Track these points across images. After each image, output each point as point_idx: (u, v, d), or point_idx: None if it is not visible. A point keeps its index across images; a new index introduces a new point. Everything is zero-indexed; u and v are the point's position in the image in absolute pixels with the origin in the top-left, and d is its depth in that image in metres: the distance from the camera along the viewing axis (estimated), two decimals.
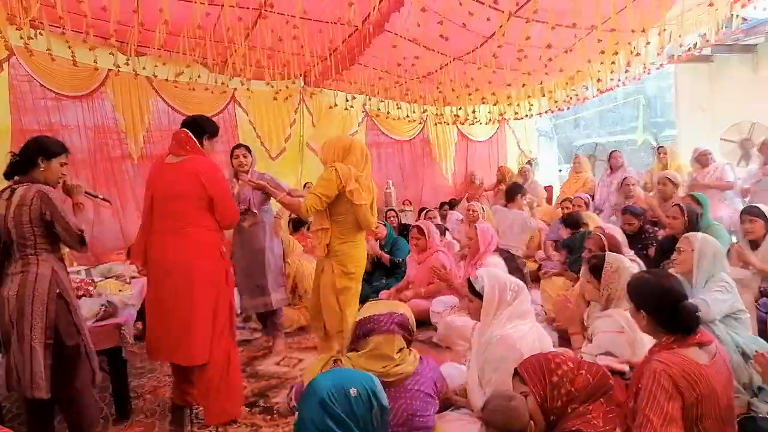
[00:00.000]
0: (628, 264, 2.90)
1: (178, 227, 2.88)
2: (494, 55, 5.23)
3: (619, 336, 2.57)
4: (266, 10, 4.48)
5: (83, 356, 2.54)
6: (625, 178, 6.06)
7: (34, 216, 2.38)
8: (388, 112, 7.96)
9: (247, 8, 4.44)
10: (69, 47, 4.65)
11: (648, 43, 5.24)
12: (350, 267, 3.33)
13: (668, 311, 1.99)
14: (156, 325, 2.98)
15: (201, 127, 3.05)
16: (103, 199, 3.14)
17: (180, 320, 2.85)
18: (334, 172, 3.15)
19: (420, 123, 8.83)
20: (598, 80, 6.51)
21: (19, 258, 2.43)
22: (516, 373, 1.99)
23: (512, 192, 5.07)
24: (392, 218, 5.94)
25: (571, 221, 4.90)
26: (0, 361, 2.65)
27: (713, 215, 4.56)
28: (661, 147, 7.06)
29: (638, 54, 5.29)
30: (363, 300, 4.27)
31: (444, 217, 7.44)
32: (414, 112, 8.08)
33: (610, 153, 6.70)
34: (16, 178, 2.50)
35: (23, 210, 2.38)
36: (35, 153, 2.49)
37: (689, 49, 5.75)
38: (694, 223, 3.95)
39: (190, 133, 2.98)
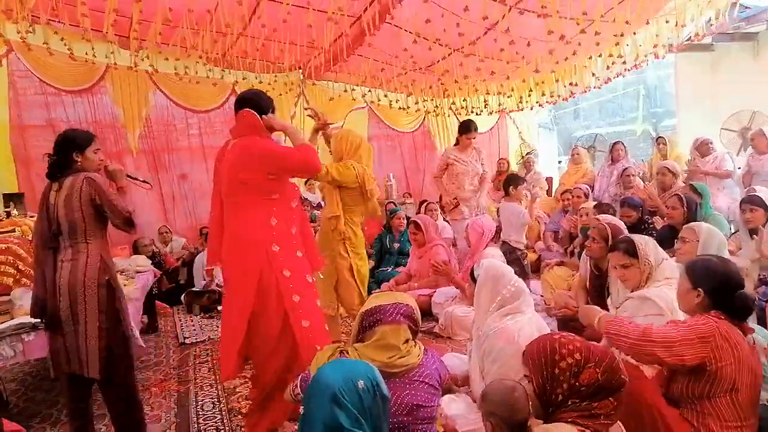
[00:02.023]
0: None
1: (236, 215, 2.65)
2: (501, 49, 5.26)
3: (659, 319, 2.44)
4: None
5: (128, 341, 2.59)
6: (625, 168, 6.09)
7: (85, 201, 2.42)
8: (396, 105, 7.96)
9: None
10: (63, 42, 4.64)
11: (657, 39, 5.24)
12: (360, 248, 3.79)
13: (728, 294, 2.02)
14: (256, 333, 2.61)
15: (258, 105, 2.76)
16: (144, 181, 3.05)
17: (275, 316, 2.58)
18: (354, 171, 3.54)
19: (423, 113, 8.82)
20: (594, 75, 6.52)
21: (69, 246, 2.48)
22: (524, 354, 1.91)
23: (505, 184, 5.09)
24: (402, 219, 6.07)
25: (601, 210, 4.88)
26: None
27: (712, 204, 4.56)
28: (661, 137, 7.08)
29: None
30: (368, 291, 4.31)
31: (445, 209, 7.46)
32: (416, 103, 8.07)
33: (612, 144, 6.68)
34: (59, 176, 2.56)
35: (73, 197, 2.44)
36: (68, 149, 2.54)
37: (689, 38, 5.74)
38: (693, 213, 3.96)
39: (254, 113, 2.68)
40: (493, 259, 3.22)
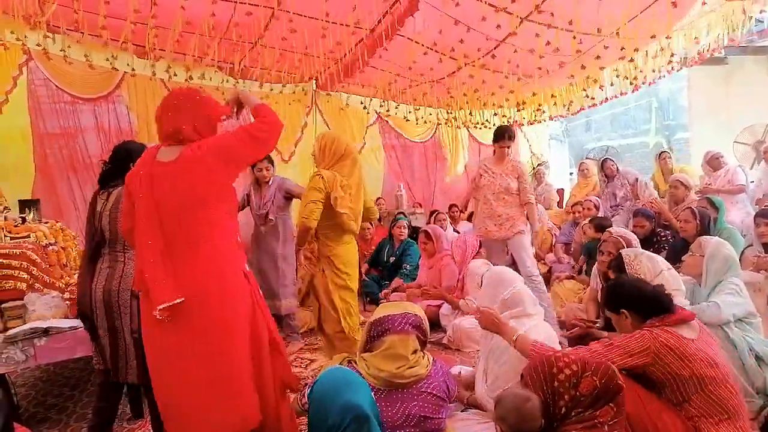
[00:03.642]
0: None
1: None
2: (508, 61, 5.26)
3: None
4: (279, 10, 4.53)
5: None
6: (637, 178, 5.99)
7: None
8: (407, 116, 7.99)
9: (257, 5, 4.47)
10: (85, 54, 4.72)
11: (663, 49, 5.23)
12: (341, 267, 3.37)
13: (645, 301, 2.24)
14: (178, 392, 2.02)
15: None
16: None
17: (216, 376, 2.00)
18: (321, 181, 3.19)
19: (434, 124, 8.84)
20: (612, 84, 6.49)
21: (108, 254, 2.56)
22: (522, 377, 1.99)
23: None
24: (403, 228, 5.99)
25: (597, 224, 4.86)
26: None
27: (725, 218, 4.52)
28: (664, 152, 6.91)
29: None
30: (375, 302, 4.30)
31: (454, 219, 7.45)
32: (430, 114, 8.10)
33: (601, 163, 6.29)
34: (110, 184, 2.63)
35: (119, 209, 2.48)
36: (125, 158, 2.61)
37: (702, 52, 5.73)
38: (706, 227, 3.93)
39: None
40: (500, 266, 3.25)
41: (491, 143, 4.87)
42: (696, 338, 2.13)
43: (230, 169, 2.07)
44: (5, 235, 3.31)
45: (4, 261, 3.02)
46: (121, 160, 2.63)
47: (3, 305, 2.97)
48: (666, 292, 2.27)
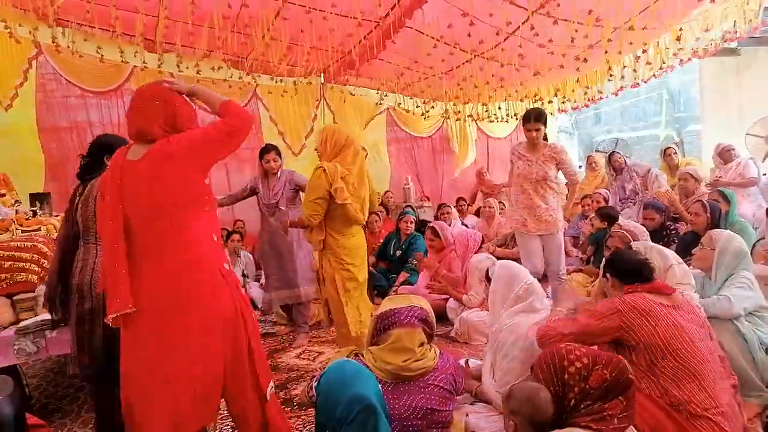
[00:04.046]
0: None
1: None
2: (520, 55, 5.23)
3: None
4: (287, 2, 4.52)
5: None
6: (649, 170, 5.93)
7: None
8: (414, 111, 7.97)
9: None
10: (97, 46, 4.74)
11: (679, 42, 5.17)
12: (347, 258, 3.36)
13: (622, 265, 2.47)
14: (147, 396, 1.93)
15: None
16: None
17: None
18: (323, 174, 3.18)
19: (441, 118, 8.82)
20: (622, 76, 6.44)
21: (82, 246, 2.56)
22: (532, 369, 2.00)
23: None
24: (409, 222, 5.98)
25: (603, 214, 4.83)
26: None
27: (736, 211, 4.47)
28: (669, 148, 6.81)
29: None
30: (383, 295, 4.31)
31: (462, 213, 7.44)
32: (433, 107, 8.07)
33: (609, 156, 6.29)
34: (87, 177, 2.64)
35: (89, 200, 2.51)
36: (100, 152, 2.63)
37: (714, 43, 5.66)
38: (717, 220, 3.89)
39: None
40: (508, 261, 3.24)
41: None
42: (670, 304, 2.23)
43: (201, 165, 1.99)
44: (17, 228, 3.35)
45: (16, 254, 3.06)
46: (97, 153, 2.63)
47: (15, 297, 3.01)
48: (651, 265, 2.46)
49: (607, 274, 2.52)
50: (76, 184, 2.67)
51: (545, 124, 4.11)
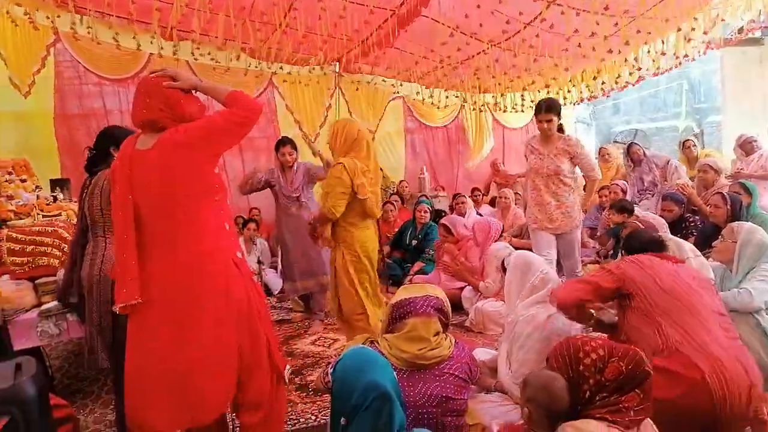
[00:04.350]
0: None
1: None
2: (531, 45, 5.18)
3: None
4: None
5: None
6: (669, 161, 5.84)
7: (105, 198, 2.48)
8: (429, 100, 7.94)
9: None
10: (115, 33, 4.77)
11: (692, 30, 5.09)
12: (360, 251, 3.35)
13: (639, 242, 2.61)
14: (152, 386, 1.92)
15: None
16: None
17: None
18: (344, 171, 3.17)
19: (457, 107, 8.77)
20: (638, 69, 6.34)
21: (92, 239, 2.58)
22: (547, 360, 1.99)
23: None
24: (424, 212, 5.97)
25: (619, 207, 4.78)
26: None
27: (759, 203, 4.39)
28: (688, 140, 6.67)
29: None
30: (398, 285, 4.33)
31: (477, 203, 7.41)
32: (447, 97, 8.03)
33: (627, 148, 6.17)
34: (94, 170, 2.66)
35: (95, 193, 2.54)
36: (107, 144, 2.63)
37: (738, 32, 5.54)
38: (737, 212, 3.83)
39: None
40: (524, 251, 3.23)
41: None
42: (675, 264, 2.38)
43: (209, 154, 1.97)
44: (38, 213, 3.40)
45: (38, 238, 3.11)
46: (103, 146, 2.63)
47: (37, 281, 3.06)
48: (664, 242, 2.63)
49: (621, 251, 2.67)
50: (85, 177, 2.69)
51: (559, 114, 3.93)
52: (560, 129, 4.02)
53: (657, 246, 2.55)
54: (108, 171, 2.51)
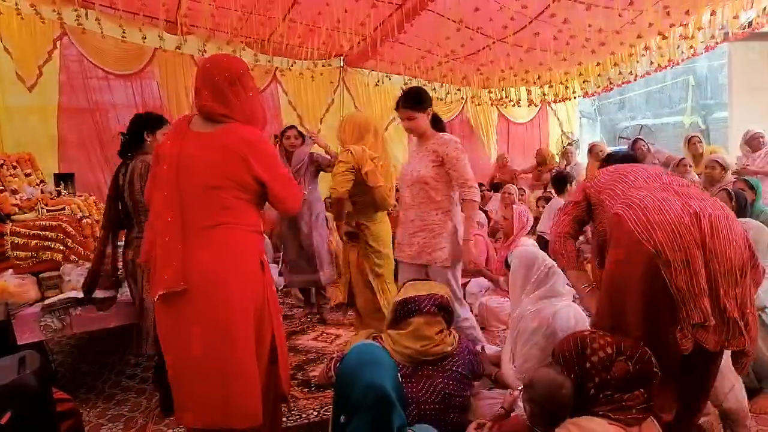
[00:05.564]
0: None
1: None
2: (536, 33, 5.14)
3: None
4: None
5: None
6: (682, 159, 5.80)
7: (145, 180, 2.46)
8: (434, 94, 7.89)
9: None
10: (121, 27, 4.77)
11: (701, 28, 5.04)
12: (375, 245, 3.33)
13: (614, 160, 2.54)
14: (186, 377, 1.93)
15: None
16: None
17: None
18: (350, 155, 3.15)
19: (460, 103, 8.72)
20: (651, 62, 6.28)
21: (135, 224, 2.66)
22: (553, 353, 1.97)
23: (561, 183, 5.02)
24: None
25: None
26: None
27: (763, 200, 4.36)
28: (694, 136, 6.59)
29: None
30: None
31: (483, 198, 7.38)
32: (451, 93, 7.99)
33: (632, 143, 6.11)
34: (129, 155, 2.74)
35: (134, 179, 2.61)
36: (140, 129, 2.70)
37: (745, 27, 5.47)
38: (743, 209, 3.80)
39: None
40: (526, 246, 3.21)
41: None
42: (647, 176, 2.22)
43: (248, 175, 1.90)
44: (42, 208, 3.40)
45: (42, 233, 3.11)
46: (137, 131, 2.70)
47: (41, 275, 3.07)
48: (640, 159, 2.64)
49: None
50: (119, 164, 2.75)
51: (423, 109, 3.06)
52: (437, 124, 3.21)
53: (631, 160, 2.50)
54: (144, 156, 2.62)
